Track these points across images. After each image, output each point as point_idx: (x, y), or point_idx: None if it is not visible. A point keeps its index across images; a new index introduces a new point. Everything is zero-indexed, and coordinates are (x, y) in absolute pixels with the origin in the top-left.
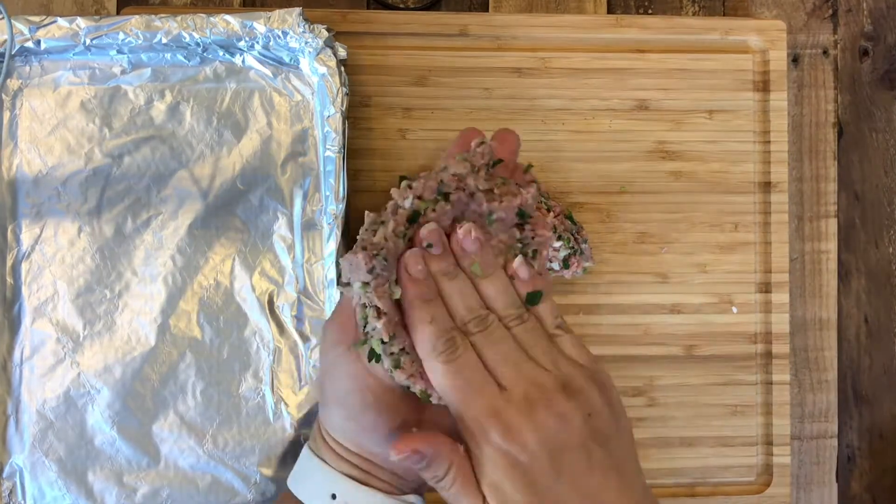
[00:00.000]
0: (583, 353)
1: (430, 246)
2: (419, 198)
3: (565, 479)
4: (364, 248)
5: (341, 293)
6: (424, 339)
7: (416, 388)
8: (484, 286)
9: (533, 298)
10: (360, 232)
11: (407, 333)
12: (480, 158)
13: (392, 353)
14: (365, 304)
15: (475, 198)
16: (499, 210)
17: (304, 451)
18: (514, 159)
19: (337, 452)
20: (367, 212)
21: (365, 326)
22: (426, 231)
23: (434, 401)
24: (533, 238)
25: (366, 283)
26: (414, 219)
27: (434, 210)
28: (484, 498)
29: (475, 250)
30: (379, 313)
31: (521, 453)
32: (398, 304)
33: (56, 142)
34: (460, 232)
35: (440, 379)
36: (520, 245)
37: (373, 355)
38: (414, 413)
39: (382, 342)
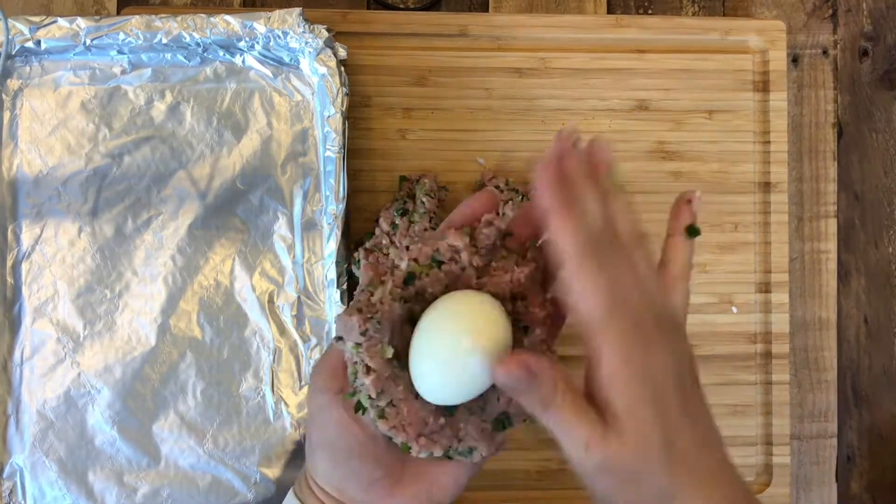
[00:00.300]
0: (683, 297)
1: (570, 144)
2: (415, 260)
3: (678, 393)
4: (359, 311)
5: (330, 343)
6: (577, 238)
7: (399, 438)
8: (613, 201)
9: (694, 231)
10: (357, 291)
11: (394, 386)
12: (485, 239)
13: (378, 406)
14: (356, 361)
15: (465, 272)
16: (487, 286)
17: (289, 496)
18: (526, 233)
19: (321, 499)
20: (363, 267)
21: (354, 380)
22: (566, 131)
23: (414, 453)
24: (525, 315)
25: (358, 344)
26: (409, 280)
27: (428, 275)
28: (599, 412)
29: (609, 160)
30: (368, 371)
31: (648, 368)
32: (389, 362)
33: (56, 142)
34: (596, 140)
35: (589, 285)
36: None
37: (359, 407)
38: (397, 464)
39: (370, 397)
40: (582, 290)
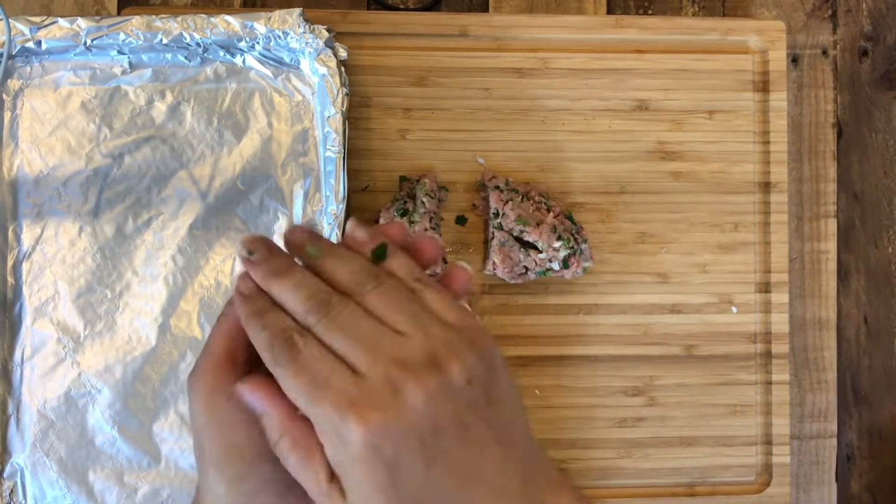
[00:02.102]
0: (451, 309)
1: (251, 254)
2: None
3: (438, 466)
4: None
5: (208, 340)
6: (262, 349)
7: None
8: (324, 264)
9: (380, 253)
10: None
11: None
12: None
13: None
14: None
15: None
16: None
17: None
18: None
19: None
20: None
21: None
22: (247, 239)
23: None
24: None
25: None
26: None
27: None
28: (333, 477)
29: (306, 237)
30: None
31: (385, 447)
32: None
33: (57, 142)
34: (286, 229)
35: (285, 383)
36: None
37: None
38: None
39: None
40: (287, 392)
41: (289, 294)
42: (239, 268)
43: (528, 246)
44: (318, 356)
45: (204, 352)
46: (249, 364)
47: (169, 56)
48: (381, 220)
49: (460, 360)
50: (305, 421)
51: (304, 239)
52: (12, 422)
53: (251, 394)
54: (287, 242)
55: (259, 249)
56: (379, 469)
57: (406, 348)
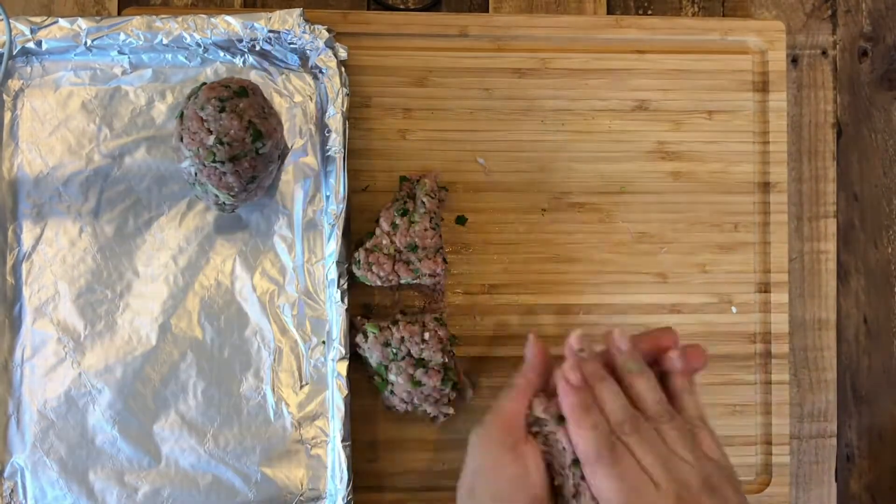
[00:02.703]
0: (719, 450)
1: (581, 350)
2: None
3: None
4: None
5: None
6: (589, 445)
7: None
8: (636, 382)
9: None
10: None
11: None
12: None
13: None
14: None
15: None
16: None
17: None
18: None
19: None
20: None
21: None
22: (574, 338)
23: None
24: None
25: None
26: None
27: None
28: None
29: (628, 348)
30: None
31: None
32: None
33: (57, 142)
34: (615, 335)
35: (604, 482)
36: None
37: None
38: None
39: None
40: (598, 487)
41: (611, 399)
42: (567, 363)
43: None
44: (634, 467)
45: (495, 409)
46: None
47: (169, 56)
48: (381, 220)
49: (725, 493)
50: None
51: (628, 350)
52: (12, 422)
53: None
54: (611, 344)
55: (587, 349)
56: None
57: (689, 473)
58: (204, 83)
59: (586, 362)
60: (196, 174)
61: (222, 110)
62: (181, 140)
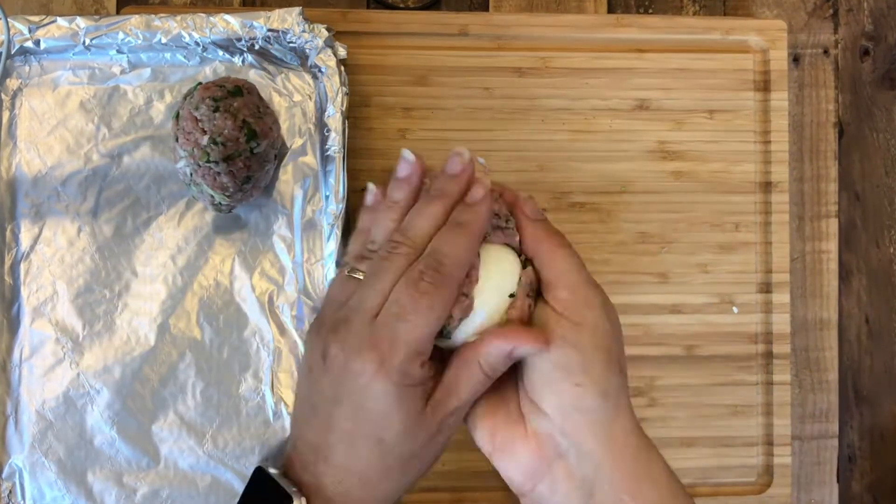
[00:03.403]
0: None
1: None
2: None
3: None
4: None
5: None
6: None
7: None
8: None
9: None
10: None
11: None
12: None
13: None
14: None
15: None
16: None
17: (275, 478)
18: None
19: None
20: None
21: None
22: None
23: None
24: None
25: None
26: None
27: None
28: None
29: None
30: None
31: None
32: None
33: (55, 142)
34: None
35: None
36: None
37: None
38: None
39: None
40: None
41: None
42: None
43: None
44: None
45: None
46: None
47: (168, 55)
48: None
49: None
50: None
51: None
52: (11, 422)
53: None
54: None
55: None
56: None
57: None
58: (200, 83)
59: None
60: (191, 174)
61: (216, 110)
62: (177, 140)
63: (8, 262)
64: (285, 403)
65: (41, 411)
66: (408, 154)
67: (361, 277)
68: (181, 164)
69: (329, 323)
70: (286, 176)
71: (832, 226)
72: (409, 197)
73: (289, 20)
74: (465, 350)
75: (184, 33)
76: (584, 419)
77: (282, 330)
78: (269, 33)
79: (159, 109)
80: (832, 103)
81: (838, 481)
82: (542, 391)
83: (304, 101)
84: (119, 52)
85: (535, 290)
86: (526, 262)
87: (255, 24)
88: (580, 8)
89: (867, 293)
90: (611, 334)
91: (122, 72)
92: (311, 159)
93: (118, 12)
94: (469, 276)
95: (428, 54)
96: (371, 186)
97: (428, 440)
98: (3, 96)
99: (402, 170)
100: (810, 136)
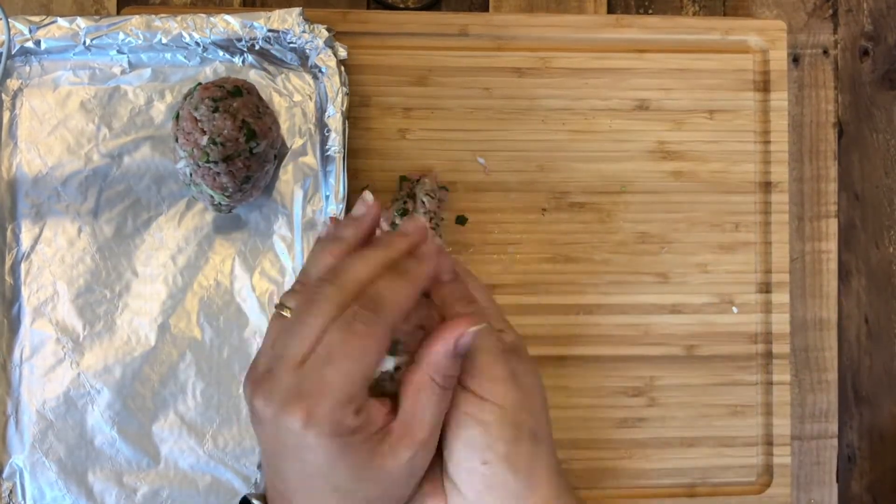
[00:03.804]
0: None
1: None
2: None
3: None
4: None
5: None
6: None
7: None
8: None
9: None
10: None
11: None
12: None
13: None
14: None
15: None
16: None
17: None
18: None
19: None
20: None
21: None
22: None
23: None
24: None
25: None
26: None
27: None
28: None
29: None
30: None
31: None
32: None
33: (56, 142)
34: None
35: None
36: None
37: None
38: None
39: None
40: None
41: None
42: None
43: None
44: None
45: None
46: None
47: (168, 56)
48: (381, 221)
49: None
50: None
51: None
52: (11, 422)
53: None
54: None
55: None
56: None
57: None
58: (200, 83)
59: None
60: (191, 175)
61: (216, 110)
62: (176, 140)
63: (8, 262)
64: None
65: (42, 411)
66: (367, 196)
67: (288, 315)
68: (181, 164)
69: (256, 373)
70: (286, 176)
71: (832, 226)
72: (356, 237)
73: (289, 20)
74: (410, 374)
75: (184, 34)
76: (497, 497)
77: None
78: (270, 34)
79: (160, 110)
80: (832, 103)
81: (838, 481)
82: (456, 470)
83: (305, 101)
84: (119, 52)
85: None
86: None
87: (255, 24)
88: (580, 8)
89: (866, 293)
90: (520, 403)
91: (123, 72)
92: (311, 159)
93: (118, 13)
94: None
95: (428, 54)
96: (366, 196)
97: (395, 483)
98: (3, 96)
99: (358, 209)
100: (810, 137)
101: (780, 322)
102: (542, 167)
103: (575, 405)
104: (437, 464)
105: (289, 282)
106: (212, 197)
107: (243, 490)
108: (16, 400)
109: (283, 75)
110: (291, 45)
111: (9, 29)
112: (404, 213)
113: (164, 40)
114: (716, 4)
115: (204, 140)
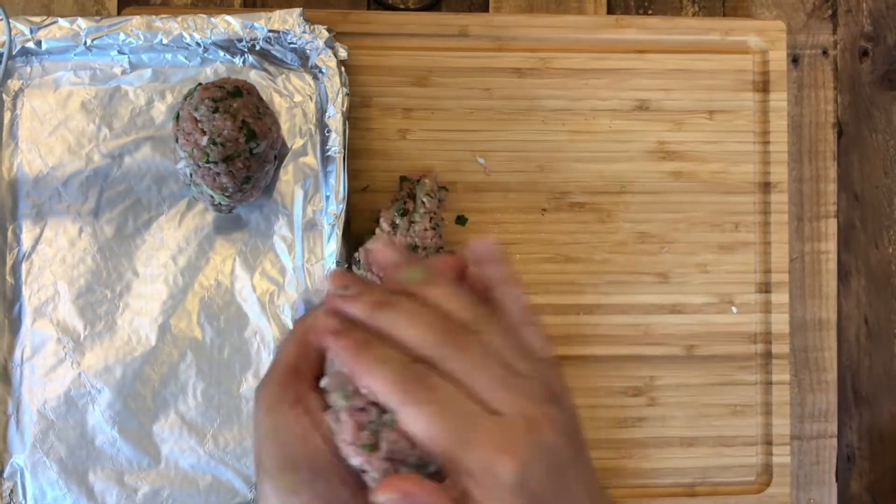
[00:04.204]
0: (546, 343)
1: (346, 289)
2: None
3: (566, 494)
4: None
5: (277, 352)
6: (384, 382)
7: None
8: (428, 293)
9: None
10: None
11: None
12: None
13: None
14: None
15: None
16: None
17: None
18: None
19: None
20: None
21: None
22: (335, 275)
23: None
24: None
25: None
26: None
27: None
28: None
29: (399, 258)
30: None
31: (531, 481)
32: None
33: (57, 142)
34: (375, 246)
35: (420, 424)
36: None
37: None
38: (363, 488)
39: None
40: (416, 435)
41: (404, 324)
42: (318, 310)
43: None
44: (455, 395)
45: (272, 364)
46: (314, 379)
47: (169, 56)
48: (382, 220)
49: (566, 395)
50: (431, 483)
51: (398, 259)
52: (12, 422)
53: (412, 487)
54: (374, 262)
55: (354, 284)
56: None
57: (532, 386)
58: (200, 83)
59: (356, 298)
60: (191, 175)
61: (216, 111)
62: (177, 141)
63: (9, 263)
64: None
65: (42, 411)
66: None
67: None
68: (181, 164)
69: None
70: (287, 176)
71: (831, 226)
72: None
73: (289, 21)
74: None
75: (185, 34)
76: None
77: (282, 330)
78: (270, 34)
79: (160, 110)
80: (831, 104)
81: (837, 481)
82: None
83: (305, 101)
84: (120, 52)
85: None
86: None
87: (255, 24)
88: (580, 9)
89: (866, 293)
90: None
91: (124, 72)
92: (311, 160)
93: (119, 13)
94: None
95: (428, 55)
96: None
97: None
98: (4, 97)
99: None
100: (809, 137)
101: (780, 322)
102: (542, 167)
103: (575, 405)
104: None
105: (289, 281)
106: (212, 197)
107: (244, 490)
108: (17, 400)
109: (283, 76)
110: (292, 45)
111: (10, 29)
112: (404, 213)
113: (164, 41)
114: (715, 5)
115: (204, 140)
